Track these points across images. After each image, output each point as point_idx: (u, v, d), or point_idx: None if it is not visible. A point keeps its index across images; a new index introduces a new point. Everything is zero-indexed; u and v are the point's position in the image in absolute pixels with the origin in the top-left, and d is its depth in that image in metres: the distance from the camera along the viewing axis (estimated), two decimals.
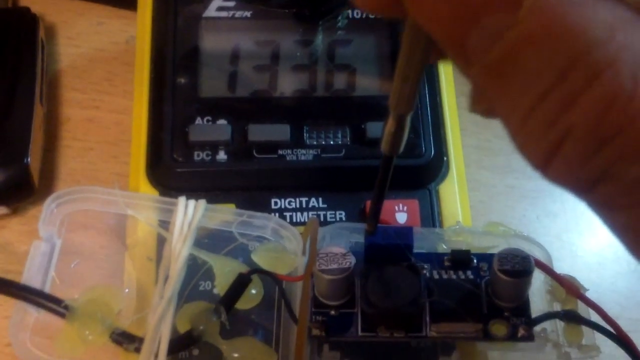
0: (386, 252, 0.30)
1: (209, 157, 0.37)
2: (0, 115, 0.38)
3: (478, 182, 0.42)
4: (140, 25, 0.40)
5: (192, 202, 0.34)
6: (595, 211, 0.17)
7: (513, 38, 0.16)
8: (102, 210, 0.35)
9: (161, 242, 0.34)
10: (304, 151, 0.37)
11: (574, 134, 0.16)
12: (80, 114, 0.42)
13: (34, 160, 0.38)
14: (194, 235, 0.33)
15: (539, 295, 0.32)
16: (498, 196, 0.42)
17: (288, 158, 0.37)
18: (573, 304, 0.32)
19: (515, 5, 0.16)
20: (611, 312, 0.30)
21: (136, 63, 0.40)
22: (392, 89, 0.22)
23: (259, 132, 0.37)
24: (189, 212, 0.33)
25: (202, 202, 0.34)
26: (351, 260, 0.30)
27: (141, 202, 0.35)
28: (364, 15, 0.41)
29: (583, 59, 0.15)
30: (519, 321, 0.30)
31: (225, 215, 0.34)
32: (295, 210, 0.36)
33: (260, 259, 0.34)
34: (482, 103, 0.19)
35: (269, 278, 0.32)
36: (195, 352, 0.32)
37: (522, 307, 0.30)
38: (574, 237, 0.41)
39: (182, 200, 0.34)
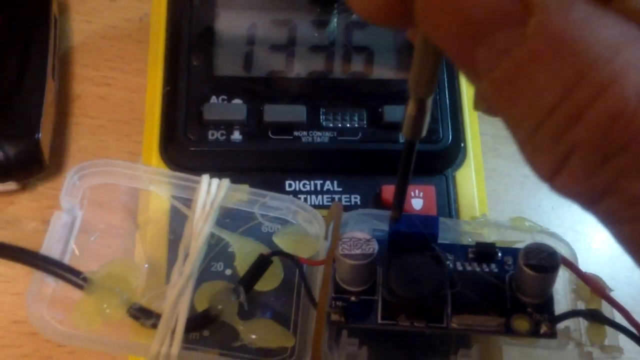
0: (410, 240, 0.30)
1: (224, 137, 0.36)
2: (12, 90, 0.38)
3: (493, 171, 0.41)
4: (156, 2, 0.40)
5: (215, 181, 0.33)
6: (601, 223, 0.18)
7: (520, 55, 0.17)
8: (124, 185, 0.34)
9: (174, 220, 0.34)
10: (319, 133, 0.37)
11: (580, 149, 0.16)
12: (92, 90, 0.42)
13: (44, 135, 0.38)
14: (216, 213, 0.32)
15: (563, 293, 0.32)
16: (513, 185, 0.41)
17: (304, 140, 0.36)
18: (597, 303, 0.31)
19: (521, 22, 0.16)
20: (626, 306, 0.30)
21: (150, 40, 0.39)
22: (410, 72, 0.22)
23: (274, 113, 0.36)
24: (212, 190, 0.33)
25: (226, 181, 0.33)
26: (374, 246, 0.29)
27: (163, 179, 0.34)
28: None
29: (588, 76, 0.16)
30: (542, 318, 0.29)
31: (248, 196, 0.34)
32: (309, 193, 0.36)
33: (282, 241, 0.33)
34: (485, 103, 0.20)
35: (290, 261, 0.32)
36: (206, 333, 0.31)
37: (545, 304, 0.30)
38: (589, 228, 0.40)
39: (205, 178, 0.33)
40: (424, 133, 0.24)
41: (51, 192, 0.39)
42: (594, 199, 0.17)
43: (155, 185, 0.34)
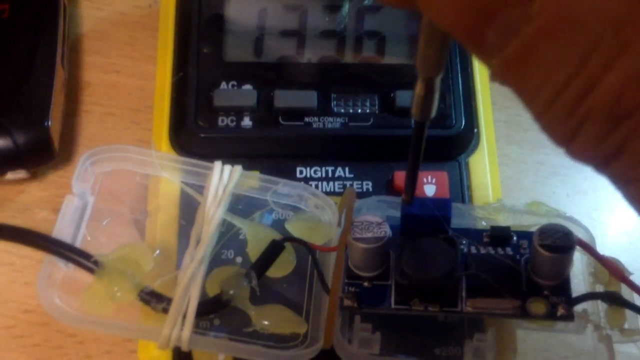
0: (423, 223, 0.29)
1: (234, 123, 0.36)
2: (22, 78, 0.38)
3: (507, 158, 0.41)
4: None
5: (227, 167, 0.33)
6: (614, 185, 0.18)
7: (530, 32, 0.17)
8: (136, 171, 0.34)
9: (185, 206, 0.34)
10: (331, 119, 0.36)
11: (593, 116, 0.17)
12: (102, 78, 0.42)
13: (54, 123, 0.38)
14: (228, 200, 0.32)
15: (581, 277, 0.31)
16: (527, 172, 0.41)
17: (314, 126, 0.36)
18: (616, 287, 0.31)
19: (528, 0, 0.17)
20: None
21: (160, 26, 0.39)
22: (418, 51, 0.21)
23: (285, 98, 0.36)
24: (225, 176, 0.33)
25: (238, 168, 0.33)
26: (386, 229, 0.29)
27: (176, 165, 0.34)
28: None
29: (599, 48, 0.16)
30: (559, 300, 0.29)
31: (260, 183, 0.34)
32: (320, 179, 0.36)
33: (295, 228, 0.33)
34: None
35: (303, 247, 0.31)
36: (217, 322, 0.31)
37: (562, 286, 0.29)
38: (604, 215, 0.40)
39: (217, 164, 0.33)
40: (433, 114, 0.24)
41: (61, 180, 0.39)
42: (605, 161, 0.18)
43: (168, 171, 0.34)
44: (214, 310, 0.31)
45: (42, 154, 0.38)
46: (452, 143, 0.36)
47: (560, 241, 0.28)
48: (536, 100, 0.18)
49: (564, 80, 0.17)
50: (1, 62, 0.38)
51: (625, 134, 0.17)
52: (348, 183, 0.36)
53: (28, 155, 0.37)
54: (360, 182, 0.36)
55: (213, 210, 0.32)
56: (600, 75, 0.16)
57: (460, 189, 0.36)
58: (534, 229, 0.31)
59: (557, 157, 0.41)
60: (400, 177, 0.35)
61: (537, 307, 0.29)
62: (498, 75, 0.18)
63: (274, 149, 0.36)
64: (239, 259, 0.33)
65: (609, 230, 0.40)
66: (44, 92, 0.38)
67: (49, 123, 0.37)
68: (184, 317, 0.30)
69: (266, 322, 0.31)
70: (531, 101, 0.18)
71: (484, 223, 0.33)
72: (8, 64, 0.38)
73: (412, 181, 0.28)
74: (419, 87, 0.23)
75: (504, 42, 0.17)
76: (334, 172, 0.36)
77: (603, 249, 0.32)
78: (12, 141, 0.36)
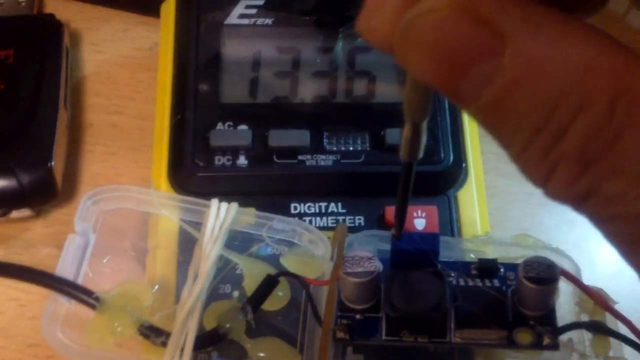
0: (412, 257, 0.30)
1: (230, 162, 0.37)
2: (25, 119, 0.39)
3: (496, 189, 0.41)
4: (164, 32, 0.41)
5: (224, 205, 0.34)
6: (590, 222, 0.19)
7: (501, 83, 0.18)
8: (136, 209, 0.35)
9: (183, 243, 0.35)
10: (323, 157, 0.37)
11: (565, 160, 0.18)
12: (104, 119, 0.43)
13: (57, 163, 0.39)
14: (224, 236, 0.33)
15: (567, 306, 0.32)
16: (516, 203, 0.42)
17: (308, 163, 0.37)
18: (601, 315, 0.31)
19: (499, 53, 0.18)
20: (630, 320, 0.30)
21: (159, 69, 0.40)
22: (404, 97, 0.22)
23: (279, 138, 0.37)
24: (221, 214, 0.34)
25: (234, 205, 0.34)
26: (376, 264, 0.30)
27: (174, 203, 0.35)
28: None
29: (566, 95, 0.17)
30: (545, 330, 0.29)
31: (255, 219, 0.34)
32: (314, 215, 0.37)
33: (289, 263, 0.34)
34: None
35: (297, 281, 0.32)
36: (214, 354, 0.32)
37: (547, 316, 0.30)
38: (592, 245, 0.40)
39: (214, 202, 0.34)
40: (420, 155, 0.25)
41: (65, 217, 0.40)
42: (579, 202, 0.19)
43: (167, 209, 0.35)
44: (211, 344, 0.32)
45: (45, 193, 0.39)
46: (441, 178, 0.37)
47: (544, 273, 0.29)
48: (512, 145, 0.19)
49: (535, 127, 0.18)
50: (6, 104, 0.39)
51: (594, 177, 0.18)
52: (341, 218, 0.37)
53: (32, 195, 0.38)
54: (352, 217, 0.37)
55: (210, 247, 0.33)
56: (567, 123, 0.17)
57: (450, 223, 0.37)
58: (520, 261, 0.31)
59: None
60: (391, 212, 0.36)
61: (524, 337, 0.29)
62: (476, 121, 0.19)
63: (268, 186, 0.37)
64: (235, 293, 0.34)
65: (597, 259, 0.40)
66: (47, 133, 0.39)
67: (52, 163, 0.38)
68: (182, 350, 0.31)
69: (262, 354, 0.32)
70: (507, 146, 0.19)
71: (472, 256, 0.33)
72: (13, 106, 0.39)
73: (401, 218, 0.29)
74: (406, 130, 0.24)
75: (478, 92, 0.18)
76: (327, 207, 0.37)
77: (591, 277, 0.33)
78: (17, 181, 0.37)
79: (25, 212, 0.39)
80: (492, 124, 0.19)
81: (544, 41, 0.17)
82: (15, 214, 0.39)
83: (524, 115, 0.18)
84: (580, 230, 0.41)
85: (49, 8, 0.45)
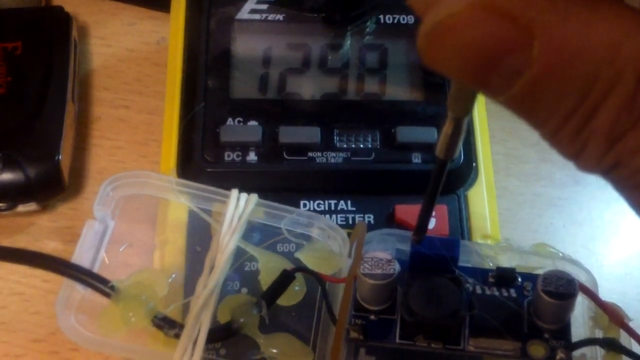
0: (431, 262, 0.30)
1: (239, 158, 0.37)
2: (33, 113, 0.39)
3: (505, 190, 0.41)
4: (174, 26, 0.40)
5: (244, 196, 0.34)
6: (615, 190, 0.20)
7: (532, 74, 0.18)
8: (155, 196, 0.35)
9: (194, 233, 0.35)
10: (333, 154, 0.37)
11: (595, 137, 0.19)
12: (111, 113, 0.43)
13: (64, 157, 0.39)
14: (243, 228, 0.33)
15: (581, 320, 0.32)
16: (525, 204, 0.42)
17: (318, 160, 0.37)
18: (616, 332, 0.31)
19: (526, 45, 0.18)
20: (637, 321, 0.30)
21: (169, 63, 0.40)
22: (450, 92, 0.22)
23: (289, 134, 0.37)
24: (240, 205, 0.34)
25: (254, 197, 0.34)
26: (395, 267, 0.30)
27: (193, 191, 0.35)
28: (394, 21, 0.41)
29: (598, 78, 0.18)
30: (559, 344, 0.29)
31: (274, 211, 0.34)
32: (323, 212, 0.36)
33: (306, 258, 0.33)
34: None
35: (313, 277, 0.32)
36: (226, 349, 0.32)
37: (562, 330, 0.30)
38: (600, 246, 0.41)
39: (234, 192, 0.34)
40: (457, 153, 0.24)
41: (71, 212, 0.40)
42: (606, 172, 0.20)
43: (185, 197, 0.35)
44: (224, 338, 0.31)
45: (52, 187, 0.38)
46: (451, 177, 0.37)
47: (563, 288, 0.29)
48: (543, 128, 0.19)
49: (567, 112, 0.18)
50: (14, 97, 0.39)
51: (620, 152, 0.19)
52: (350, 216, 0.37)
53: (39, 188, 0.38)
54: (362, 215, 0.37)
55: (228, 238, 0.33)
56: (598, 105, 0.18)
57: (460, 222, 0.37)
58: (538, 271, 0.31)
59: (554, 190, 0.42)
60: (401, 210, 0.36)
61: (537, 349, 0.29)
62: (506, 108, 0.20)
63: (278, 183, 0.37)
64: (244, 290, 0.34)
65: (605, 260, 0.40)
66: (54, 127, 0.39)
67: (60, 157, 0.38)
68: (195, 343, 0.30)
69: (274, 350, 0.31)
70: (539, 129, 0.20)
71: (490, 263, 0.33)
72: (21, 99, 0.39)
73: (424, 221, 0.28)
74: (447, 126, 0.23)
75: (509, 84, 0.19)
76: (336, 205, 0.37)
77: (598, 278, 0.33)
78: (24, 174, 0.37)
79: (31, 206, 0.39)
80: (523, 112, 0.19)
81: (573, 25, 0.17)
82: (21, 207, 0.38)
83: (556, 103, 0.18)
84: (589, 231, 0.41)
85: (57, 0, 0.45)
